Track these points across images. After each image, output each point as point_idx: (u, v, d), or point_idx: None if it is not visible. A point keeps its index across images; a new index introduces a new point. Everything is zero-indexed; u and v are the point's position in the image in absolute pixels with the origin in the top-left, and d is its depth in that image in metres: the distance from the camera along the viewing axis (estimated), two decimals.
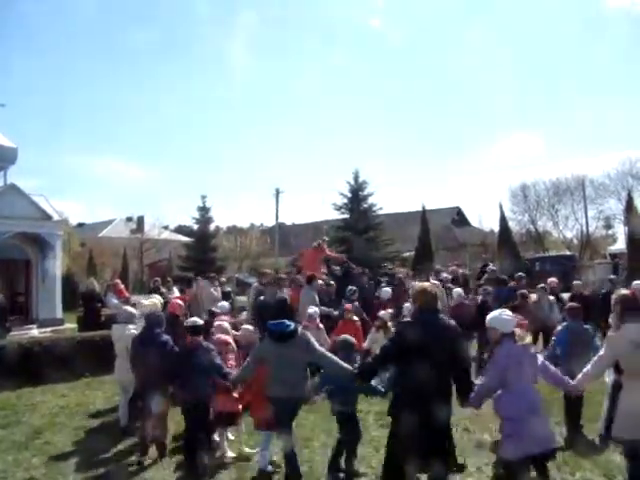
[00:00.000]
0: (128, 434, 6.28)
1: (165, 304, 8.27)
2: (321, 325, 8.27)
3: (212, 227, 32.09)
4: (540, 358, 4.21)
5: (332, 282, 10.35)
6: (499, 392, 3.88)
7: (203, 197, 30.33)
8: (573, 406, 5.60)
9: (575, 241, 39.76)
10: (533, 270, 21.33)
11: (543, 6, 60.41)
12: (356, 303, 9.37)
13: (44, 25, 66.00)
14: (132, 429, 6.24)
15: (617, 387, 4.37)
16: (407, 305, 8.32)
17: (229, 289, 14.84)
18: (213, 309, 8.53)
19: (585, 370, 4.17)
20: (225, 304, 8.68)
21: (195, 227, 31.77)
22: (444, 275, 11.93)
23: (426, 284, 4.45)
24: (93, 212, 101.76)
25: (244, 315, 9.45)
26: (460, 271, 12.84)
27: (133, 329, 6.36)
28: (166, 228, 40.15)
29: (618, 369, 4.25)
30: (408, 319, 4.77)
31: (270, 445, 5.14)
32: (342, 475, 4.92)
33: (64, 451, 6.01)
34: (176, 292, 10.88)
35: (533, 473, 4.02)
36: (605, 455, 5.14)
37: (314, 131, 72.52)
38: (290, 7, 70.89)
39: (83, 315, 12.70)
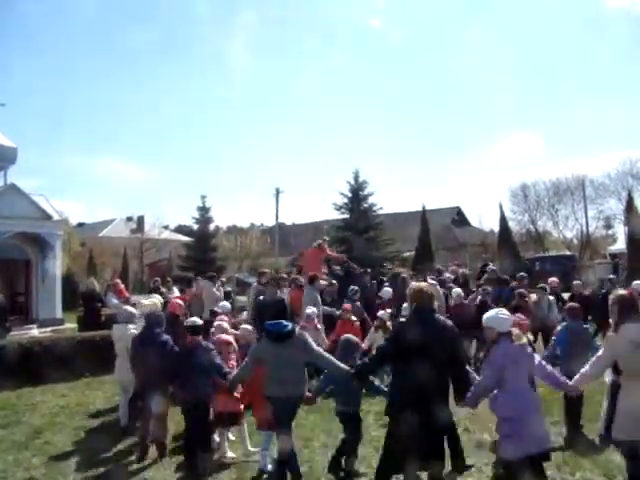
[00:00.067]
0: (128, 434, 6.28)
1: (165, 304, 8.27)
2: (319, 325, 8.28)
3: (212, 227, 32.23)
4: (537, 358, 4.20)
5: (334, 282, 10.34)
6: (496, 392, 3.87)
7: (203, 197, 30.47)
8: (573, 406, 5.59)
9: (575, 241, 39.79)
10: (533, 270, 21.32)
11: (543, 6, 60.52)
12: (358, 303, 9.37)
13: (44, 25, 66.11)
14: (132, 429, 6.24)
15: (616, 387, 4.36)
16: (405, 305, 8.31)
17: (229, 289, 14.86)
18: (215, 309, 8.54)
19: (583, 370, 4.16)
20: (226, 304, 8.68)
21: (195, 227, 31.85)
22: (446, 275, 11.92)
23: (423, 284, 4.45)
24: (93, 212, 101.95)
25: (244, 315, 9.46)
26: (460, 271, 12.82)
27: (133, 329, 6.37)
28: (166, 228, 40.18)
29: (617, 369, 4.25)
30: (404, 319, 4.77)
31: (271, 445, 5.14)
32: (342, 475, 4.93)
33: (64, 451, 6.01)
34: (176, 292, 10.89)
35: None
36: (605, 455, 5.13)
37: (314, 131, 72.69)
38: (290, 7, 71.01)
39: (83, 315, 12.71)
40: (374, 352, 4.67)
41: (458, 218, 42.71)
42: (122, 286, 11.59)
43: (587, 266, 26.74)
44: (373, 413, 6.45)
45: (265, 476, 5.05)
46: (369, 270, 12.62)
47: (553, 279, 10.58)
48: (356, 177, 26.08)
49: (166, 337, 5.70)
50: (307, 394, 4.76)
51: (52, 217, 17.57)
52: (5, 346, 9.15)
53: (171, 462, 5.50)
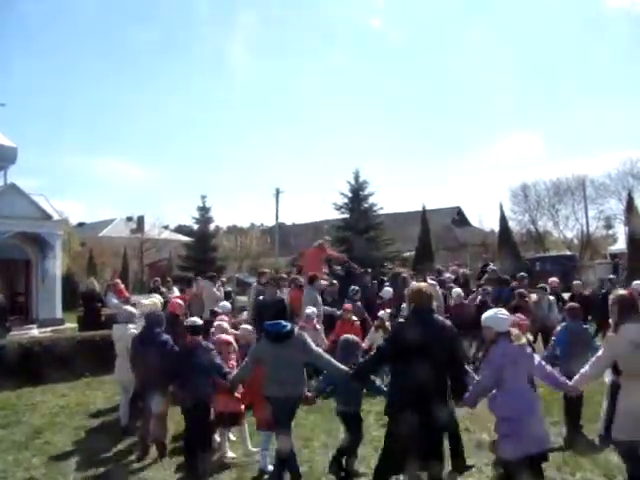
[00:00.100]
0: (128, 434, 6.28)
1: (165, 304, 8.27)
2: (318, 326, 8.26)
3: (212, 227, 32.23)
4: (537, 358, 4.19)
5: (335, 282, 10.34)
6: (494, 392, 3.86)
7: (203, 197, 30.49)
8: (573, 406, 5.59)
9: (575, 241, 39.79)
10: (533, 270, 21.31)
11: (543, 6, 60.52)
12: (359, 303, 9.37)
13: (44, 25, 66.06)
14: (132, 429, 6.24)
15: (616, 388, 4.36)
16: (404, 305, 8.31)
17: (229, 289, 14.86)
18: (215, 309, 8.54)
19: (583, 370, 4.16)
20: (227, 304, 8.69)
21: (195, 227, 31.87)
22: (447, 275, 11.91)
23: (422, 284, 4.46)
24: (93, 212, 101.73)
25: (244, 315, 9.46)
26: (461, 271, 12.82)
27: (133, 329, 6.37)
28: (166, 228, 40.17)
29: (616, 370, 4.25)
30: (403, 319, 4.78)
31: (271, 445, 5.14)
32: (342, 475, 4.93)
33: (64, 451, 6.01)
34: (176, 292, 10.88)
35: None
36: (605, 455, 5.13)
37: (314, 131, 72.73)
38: (290, 7, 71.01)
39: (83, 315, 12.72)
40: (372, 352, 4.67)
41: (458, 218, 42.71)
42: (122, 286, 11.59)
43: (587, 266, 26.74)
44: (374, 413, 6.45)
45: (265, 476, 5.05)
46: (369, 270, 12.62)
47: (553, 279, 10.58)
48: (356, 177, 26.10)
49: (166, 337, 5.70)
50: (307, 394, 4.76)
51: (52, 217, 17.58)
52: (5, 346, 9.15)
53: (171, 462, 5.50)
